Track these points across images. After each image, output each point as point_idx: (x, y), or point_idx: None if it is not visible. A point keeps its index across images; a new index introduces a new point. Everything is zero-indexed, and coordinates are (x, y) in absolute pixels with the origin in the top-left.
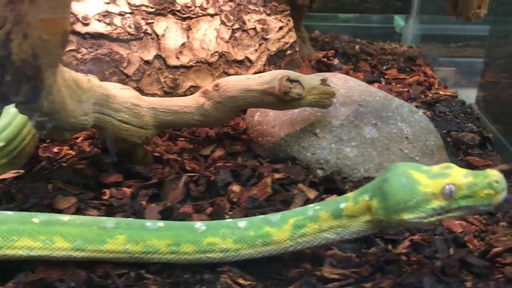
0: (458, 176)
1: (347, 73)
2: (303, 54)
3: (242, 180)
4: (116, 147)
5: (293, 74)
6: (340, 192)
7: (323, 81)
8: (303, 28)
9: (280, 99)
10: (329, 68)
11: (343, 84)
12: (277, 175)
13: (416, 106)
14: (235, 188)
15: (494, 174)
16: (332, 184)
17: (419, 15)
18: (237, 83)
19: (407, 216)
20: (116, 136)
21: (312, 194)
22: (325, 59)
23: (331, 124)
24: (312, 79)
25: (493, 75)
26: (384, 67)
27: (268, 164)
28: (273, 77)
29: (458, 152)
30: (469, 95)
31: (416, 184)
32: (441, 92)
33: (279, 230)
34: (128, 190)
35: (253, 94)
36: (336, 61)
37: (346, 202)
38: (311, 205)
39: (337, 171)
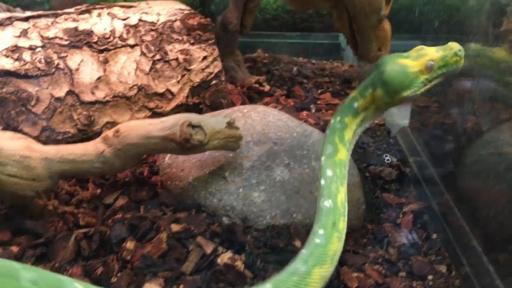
0: (432, 53)
1: (277, 100)
2: (237, 79)
3: (139, 235)
4: (6, 200)
5: (195, 119)
6: (240, 244)
7: (229, 124)
8: (237, 51)
9: (182, 146)
10: (260, 94)
11: (261, 119)
12: (176, 227)
13: None
14: (129, 245)
15: (455, 45)
16: (232, 235)
17: None
18: (138, 129)
19: (405, 93)
20: (4, 191)
21: (209, 248)
22: (256, 85)
23: (241, 166)
24: (217, 122)
25: (424, 99)
26: (319, 91)
27: (171, 214)
28: (175, 122)
29: (375, 188)
30: (407, 115)
31: (406, 68)
32: None
33: (343, 152)
34: (15, 249)
35: (154, 141)
36: (267, 87)
37: (357, 101)
38: (332, 119)
39: (241, 219)
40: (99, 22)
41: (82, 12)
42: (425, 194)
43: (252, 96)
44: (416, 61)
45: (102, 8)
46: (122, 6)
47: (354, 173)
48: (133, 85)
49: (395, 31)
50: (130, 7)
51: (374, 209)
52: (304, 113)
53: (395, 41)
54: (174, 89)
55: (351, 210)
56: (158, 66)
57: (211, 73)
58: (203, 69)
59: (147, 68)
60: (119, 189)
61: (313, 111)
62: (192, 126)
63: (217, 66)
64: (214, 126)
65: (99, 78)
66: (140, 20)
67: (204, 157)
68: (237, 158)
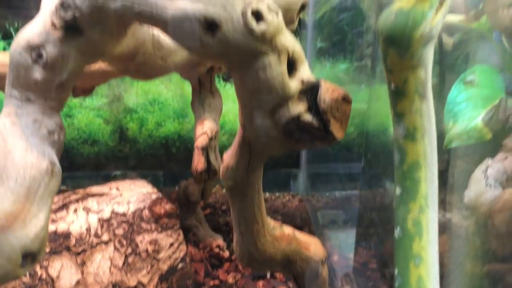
0: None
1: (236, 268)
2: (200, 237)
3: None
4: None
5: None
6: None
7: None
8: (199, 209)
9: None
10: (220, 261)
11: None
12: None
13: None
14: None
15: None
16: None
17: (307, 165)
18: None
19: (419, 33)
20: None
21: None
22: (217, 250)
23: None
24: None
25: (363, 252)
26: None
27: None
28: None
29: None
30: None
31: (401, 10)
32: None
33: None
34: None
35: None
36: (226, 253)
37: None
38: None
39: None
40: (75, 220)
41: (60, 209)
42: None
43: (214, 263)
44: None
45: (77, 201)
46: (94, 195)
47: None
48: (108, 283)
49: None
50: (102, 195)
51: None
52: (260, 283)
53: None
54: (145, 280)
55: None
56: (130, 259)
57: (177, 258)
58: (170, 256)
59: (120, 263)
60: None
61: (268, 276)
62: None
63: (182, 250)
64: None
65: (77, 282)
66: (112, 212)
67: None
68: None
